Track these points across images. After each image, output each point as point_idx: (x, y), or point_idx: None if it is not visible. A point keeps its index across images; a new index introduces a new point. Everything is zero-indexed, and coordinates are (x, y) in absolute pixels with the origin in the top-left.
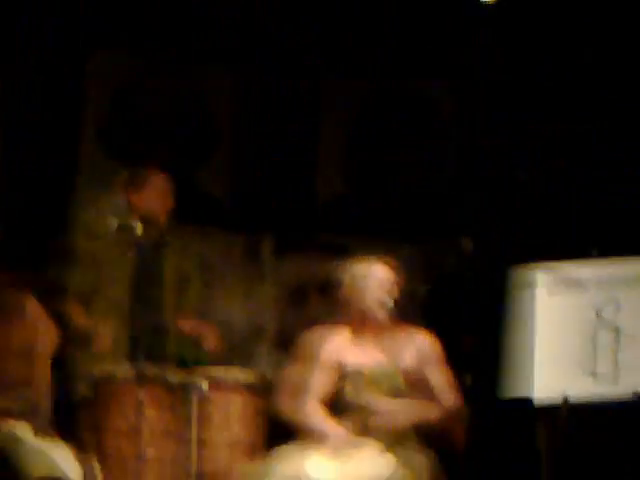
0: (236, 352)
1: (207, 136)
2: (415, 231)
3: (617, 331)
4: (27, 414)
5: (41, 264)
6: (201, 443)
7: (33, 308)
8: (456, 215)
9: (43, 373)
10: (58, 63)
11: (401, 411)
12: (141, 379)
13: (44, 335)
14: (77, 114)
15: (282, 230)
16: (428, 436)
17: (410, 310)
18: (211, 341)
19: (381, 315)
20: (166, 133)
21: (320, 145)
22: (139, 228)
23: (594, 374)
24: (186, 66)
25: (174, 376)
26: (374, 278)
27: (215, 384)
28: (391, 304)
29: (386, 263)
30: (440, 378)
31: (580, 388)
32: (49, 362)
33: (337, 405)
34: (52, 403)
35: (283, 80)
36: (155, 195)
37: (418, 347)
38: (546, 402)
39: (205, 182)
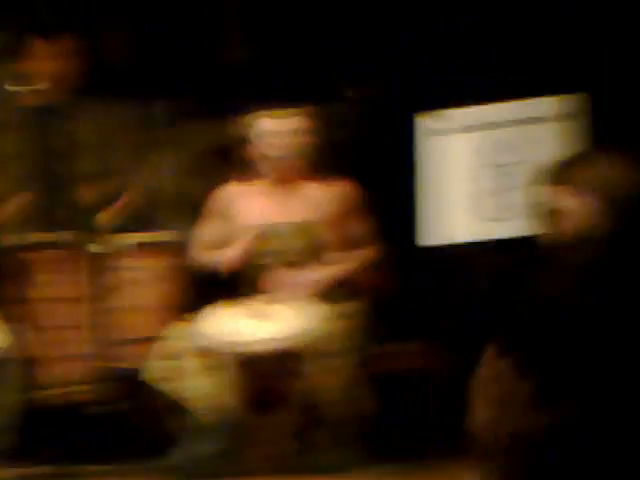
0: (135, 217)
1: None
2: (320, 93)
3: (501, 173)
4: None
5: None
6: (111, 308)
7: None
8: (352, 67)
9: None
10: None
11: (324, 272)
12: (34, 246)
13: None
14: None
15: (181, 94)
16: (355, 287)
17: (325, 160)
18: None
19: (290, 168)
20: None
21: (224, 8)
22: (23, 92)
23: (478, 216)
24: None
25: (67, 240)
26: (279, 131)
27: (116, 246)
28: (302, 155)
29: (296, 113)
30: (361, 227)
31: (465, 230)
32: None
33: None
34: None
35: None
36: (40, 60)
37: (337, 196)
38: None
39: (100, 48)
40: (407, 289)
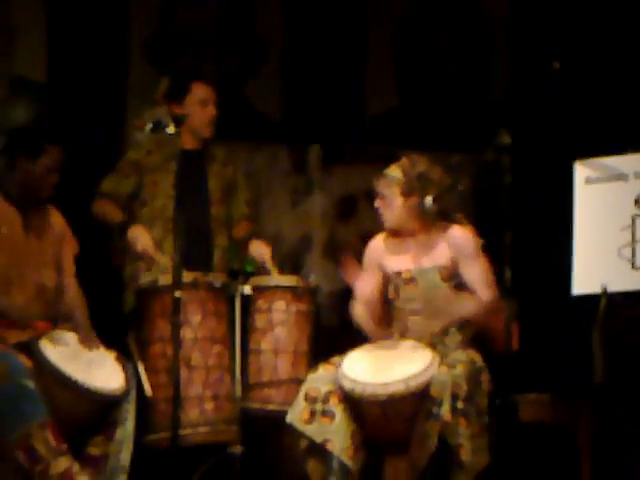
0: (284, 261)
1: (255, 49)
2: (464, 140)
3: None
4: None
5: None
6: (246, 348)
7: (58, 220)
8: (498, 113)
9: (70, 282)
10: None
11: (440, 311)
12: (183, 285)
13: (68, 245)
14: (124, 29)
15: (330, 141)
16: (472, 333)
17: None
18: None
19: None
20: (213, 46)
21: (369, 56)
22: (171, 127)
23: (633, 265)
24: None
25: (217, 281)
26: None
27: (258, 289)
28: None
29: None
30: (475, 272)
31: (619, 279)
32: (73, 271)
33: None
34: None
35: None
36: (197, 105)
37: (451, 243)
38: (585, 293)
39: (253, 96)
40: (559, 337)
